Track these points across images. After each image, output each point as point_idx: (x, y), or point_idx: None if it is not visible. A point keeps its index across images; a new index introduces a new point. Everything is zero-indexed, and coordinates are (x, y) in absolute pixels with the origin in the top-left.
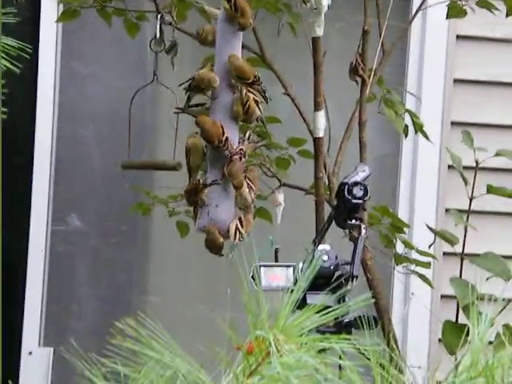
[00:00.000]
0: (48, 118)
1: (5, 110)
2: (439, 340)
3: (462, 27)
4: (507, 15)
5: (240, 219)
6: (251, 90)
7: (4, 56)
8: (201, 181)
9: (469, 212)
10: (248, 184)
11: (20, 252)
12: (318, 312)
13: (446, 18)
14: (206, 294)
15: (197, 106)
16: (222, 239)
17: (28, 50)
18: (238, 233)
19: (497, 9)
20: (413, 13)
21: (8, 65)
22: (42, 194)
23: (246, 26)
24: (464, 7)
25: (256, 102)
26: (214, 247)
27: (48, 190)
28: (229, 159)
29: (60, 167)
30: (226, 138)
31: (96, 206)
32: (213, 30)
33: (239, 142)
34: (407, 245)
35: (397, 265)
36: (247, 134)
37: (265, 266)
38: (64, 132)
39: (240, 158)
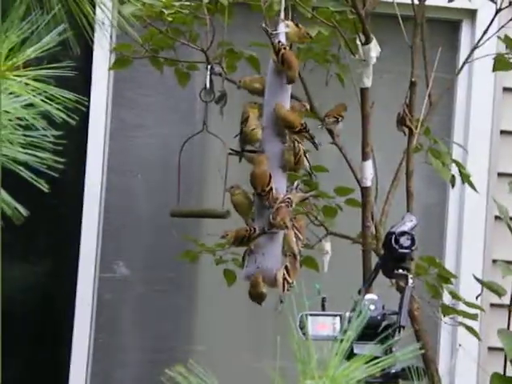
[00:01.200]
0: (98, 168)
1: (61, 160)
2: None
3: (509, 79)
4: None
5: (287, 268)
6: (300, 139)
7: (60, 108)
8: (257, 229)
9: None
10: (295, 233)
11: (69, 299)
12: (365, 362)
13: (493, 70)
14: (254, 342)
15: (252, 151)
16: (264, 289)
17: (84, 102)
18: (285, 283)
19: None
20: (460, 65)
21: (64, 117)
22: (91, 242)
23: (293, 79)
24: (510, 60)
25: (304, 152)
26: (256, 297)
27: (96, 238)
28: (275, 208)
29: (109, 216)
30: (271, 189)
31: (143, 253)
32: (261, 80)
33: (287, 191)
34: (454, 296)
35: (444, 316)
36: (295, 184)
37: (312, 314)
38: (113, 181)
39: (287, 206)
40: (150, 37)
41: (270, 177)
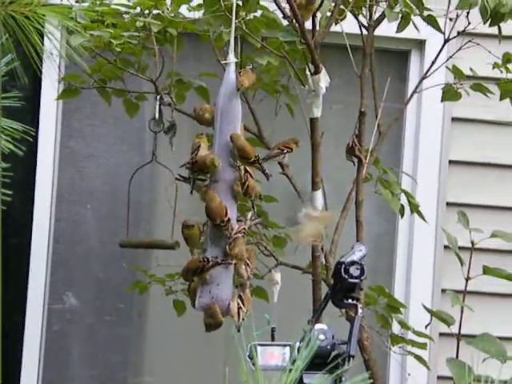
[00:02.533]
0: (46, 198)
1: (9, 192)
2: None
3: (457, 109)
4: (501, 98)
5: (240, 297)
6: (251, 169)
7: (7, 139)
8: (210, 259)
9: (465, 292)
10: (245, 262)
11: (16, 330)
12: None
13: (442, 100)
14: (203, 373)
15: (201, 179)
16: (222, 318)
17: (31, 132)
18: (240, 312)
19: (491, 92)
20: (408, 95)
21: (11, 147)
22: (40, 273)
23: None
24: (459, 90)
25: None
26: (215, 326)
27: (45, 269)
28: (232, 239)
29: (58, 246)
30: (228, 219)
31: (93, 284)
32: (211, 109)
33: (238, 221)
34: (403, 325)
35: (393, 345)
36: (249, 215)
37: (262, 345)
38: (62, 211)
39: (243, 237)
40: (99, 67)
41: (226, 208)
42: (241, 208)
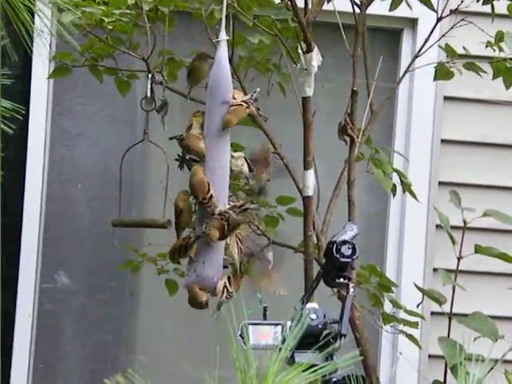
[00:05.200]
0: (38, 178)
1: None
2: None
3: (450, 88)
4: (494, 77)
5: (229, 278)
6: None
7: None
8: (192, 236)
9: (457, 272)
10: (237, 242)
11: (8, 310)
12: (305, 370)
13: (434, 79)
14: (194, 351)
15: (194, 160)
16: (205, 297)
17: (21, 111)
18: (225, 290)
19: (484, 71)
20: (401, 74)
21: (2, 126)
22: (31, 252)
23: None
24: (451, 69)
25: (246, 159)
26: (195, 304)
27: (37, 249)
28: (210, 220)
29: (49, 226)
30: (211, 196)
31: (85, 263)
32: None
33: (229, 202)
34: (395, 304)
35: (385, 324)
36: (241, 201)
37: (253, 324)
38: (54, 191)
39: (222, 219)
40: (90, 45)
41: (209, 184)
42: (233, 187)
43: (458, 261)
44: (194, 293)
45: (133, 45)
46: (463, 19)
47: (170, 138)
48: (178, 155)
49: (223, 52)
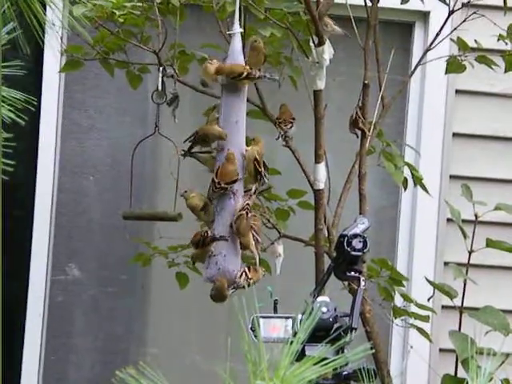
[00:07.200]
0: (49, 170)
1: (12, 162)
2: None
3: (461, 82)
4: (506, 71)
5: (249, 267)
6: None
7: (10, 108)
8: (209, 233)
9: (468, 265)
10: (253, 235)
11: (20, 302)
12: (316, 363)
13: (446, 73)
14: (205, 344)
15: (202, 152)
16: (229, 291)
17: (33, 102)
18: (244, 275)
19: (496, 64)
20: (412, 67)
21: (14, 117)
22: (43, 244)
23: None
24: (463, 62)
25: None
26: (219, 297)
27: (48, 241)
28: (237, 215)
29: (60, 218)
30: (236, 190)
31: (96, 256)
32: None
33: (244, 195)
34: (406, 298)
35: (395, 318)
36: (253, 189)
37: (264, 317)
38: (65, 183)
39: (247, 214)
40: (101, 38)
41: (238, 177)
42: (244, 180)
43: (469, 254)
44: (222, 284)
45: (144, 38)
46: (475, 12)
47: (185, 141)
48: (184, 151)
49: (237, 44)
